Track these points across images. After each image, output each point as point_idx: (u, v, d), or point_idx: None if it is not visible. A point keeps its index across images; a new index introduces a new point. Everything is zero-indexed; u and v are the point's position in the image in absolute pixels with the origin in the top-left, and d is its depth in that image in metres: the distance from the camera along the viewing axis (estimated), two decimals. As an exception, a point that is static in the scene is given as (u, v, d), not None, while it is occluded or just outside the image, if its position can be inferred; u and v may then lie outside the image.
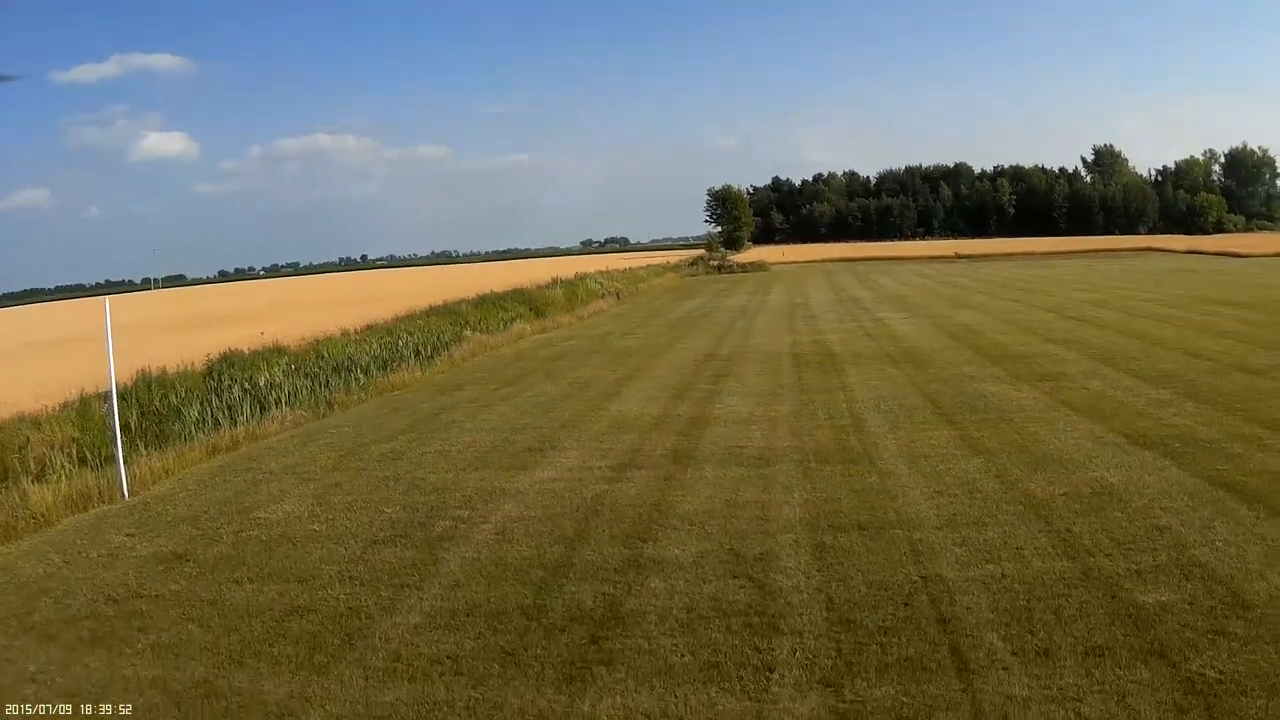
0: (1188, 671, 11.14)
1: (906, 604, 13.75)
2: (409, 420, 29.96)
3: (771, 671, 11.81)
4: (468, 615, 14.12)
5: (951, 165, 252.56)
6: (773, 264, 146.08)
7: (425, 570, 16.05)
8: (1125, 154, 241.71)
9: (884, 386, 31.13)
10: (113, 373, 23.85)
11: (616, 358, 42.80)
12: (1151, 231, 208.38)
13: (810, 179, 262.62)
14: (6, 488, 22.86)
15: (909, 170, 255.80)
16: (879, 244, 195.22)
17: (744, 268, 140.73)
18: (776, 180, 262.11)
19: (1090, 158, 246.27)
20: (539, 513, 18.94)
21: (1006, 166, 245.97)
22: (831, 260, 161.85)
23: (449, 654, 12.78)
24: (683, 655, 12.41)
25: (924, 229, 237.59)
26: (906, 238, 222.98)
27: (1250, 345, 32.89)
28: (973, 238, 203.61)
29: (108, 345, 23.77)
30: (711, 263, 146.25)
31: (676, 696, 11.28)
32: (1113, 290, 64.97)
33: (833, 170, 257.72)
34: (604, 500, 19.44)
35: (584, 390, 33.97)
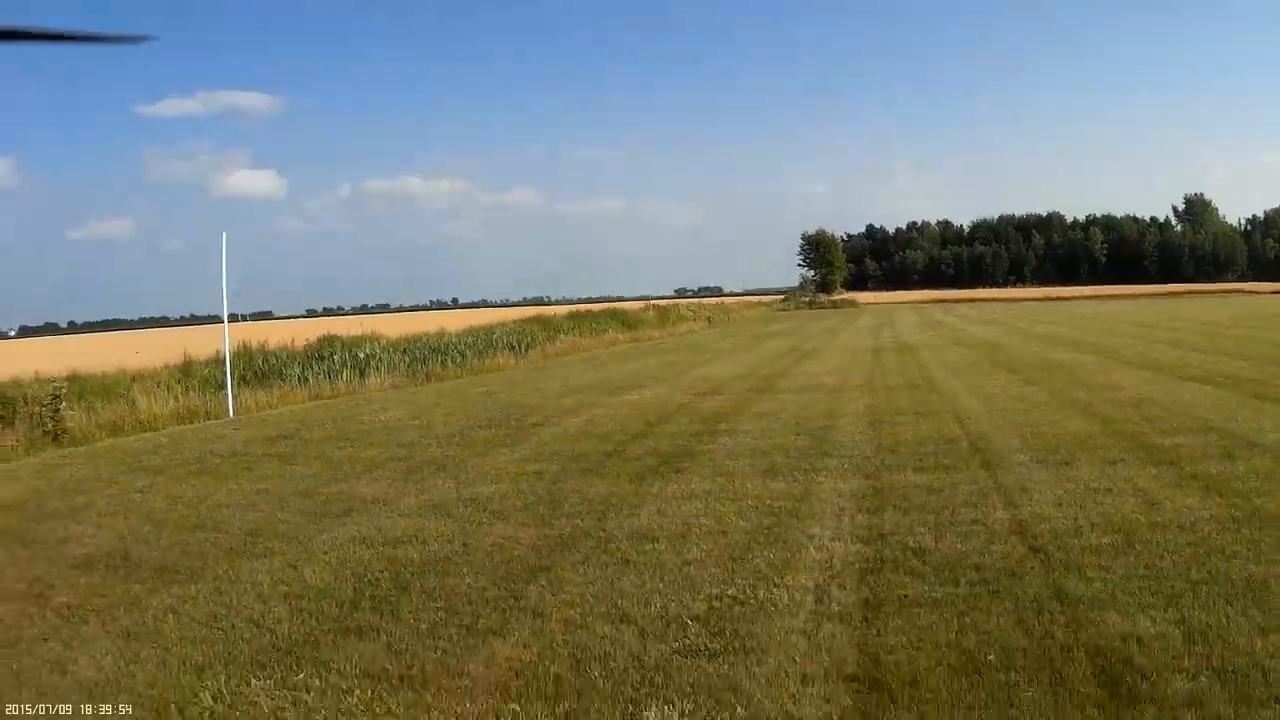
0: (1193, 471, 12.56)
1: (947, 442, 15.38)
2: (505, 382, 31.74)
3: (818, 474, 13.46)
4: (553, 456, 15.92)
5: (1044, 214, 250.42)
6: (864, 303, 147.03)
7: (515, 440, 17.91)
8: (1215, 203, 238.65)
9: (953, 358, 32.89)
10: (225, 311, 26.00)
11: (706, 352, 44.56)
12: (1241, 279, 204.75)
13: (904, 226, 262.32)
14: (114, 403, 25.06)
15: (1002, 219, 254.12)
16: (970, 291, 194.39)
17: (835, 304, 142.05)
18: (870, 228, 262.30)
19: (1181, 206, 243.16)
20: (625, 413, 20.84)
21: (1098, 215, 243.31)
22: (922, 302, 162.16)
23: (533, 471, 14.63)
24: (743, 467, 14.14)
25: (1016, 277, 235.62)
26: (998, 285, 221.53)
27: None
28: (1064, 285, 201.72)
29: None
30: (803, 299, 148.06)
31: (734, 484, 12.95)
32: (1159, 317, 64.74)
33: (926, 219, 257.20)
34: (686, 407, 21.29)
35: (673, 365, 35.73)
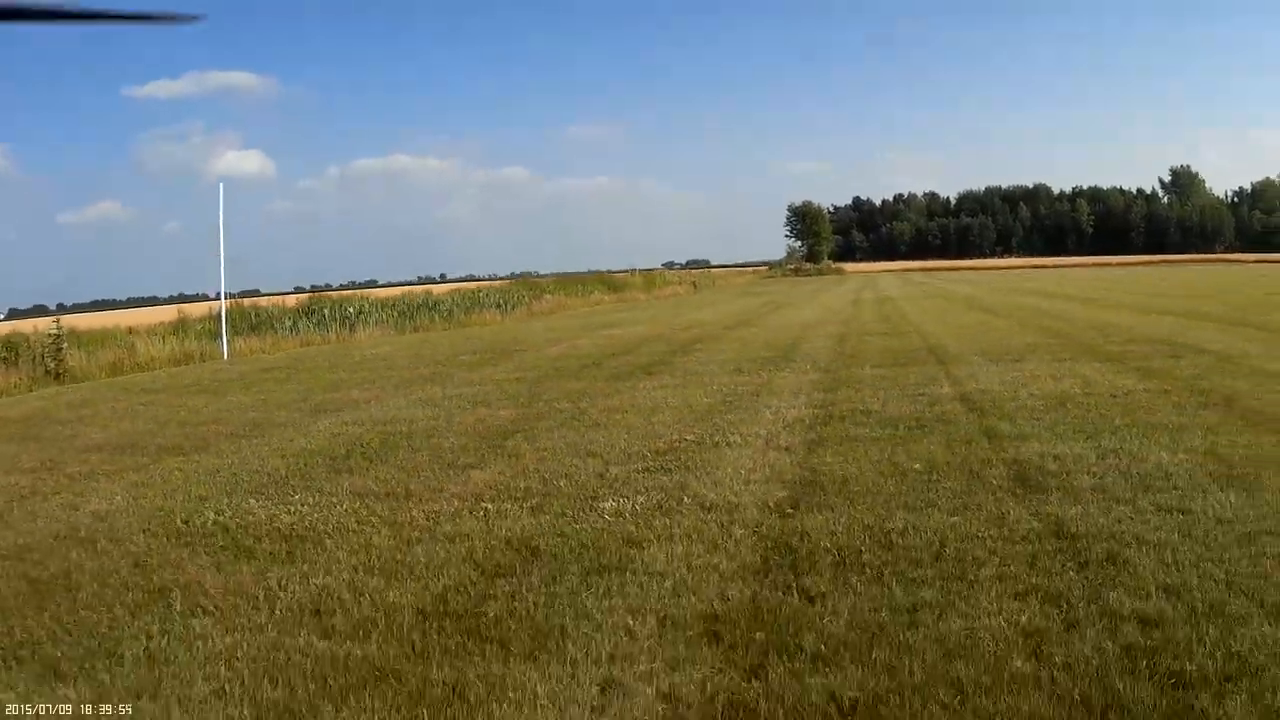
0: (1136, 365, 13.50)
1: (908, 351, 16.29)
2: (491, 330, 32.51)
3: (781, 370, 14.39)
4: (534, 368, 16.79)
5: (1031, 186, 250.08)
6: (851, 272, 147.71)
7: (499, 361, 18.79)
8: (1202, 176, 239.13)
9: (930, 305, 33.96)
10: (222, 260, 26.68)
11: (688, 306, 45.26)
12: (1228, 251, 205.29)
13: (890, 198, 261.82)
14: (113, 349, 25.74)
15: (989, 190, 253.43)
16: (957, 261, 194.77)
17: (820, 271, 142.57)
18: (857, 199, 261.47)
19: (1168, 179, 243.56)
20: (605, 343, 21.70)
21: (1085, 187, 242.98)
22: (909, 270, 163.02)
23: (515, 378, 15.49)
24: (712, 370, 15.01)
25: (1003, 248, 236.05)
26: (985, 256, 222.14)
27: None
28: (1051, 256, 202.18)
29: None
30: (789, 267, 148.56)
31: (702, 380, 13.80)
32: (1119, 282, 65.60)
33: (913, 191, 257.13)
34: (664, 337, 22.21)
35: (655, 315, 36.49)
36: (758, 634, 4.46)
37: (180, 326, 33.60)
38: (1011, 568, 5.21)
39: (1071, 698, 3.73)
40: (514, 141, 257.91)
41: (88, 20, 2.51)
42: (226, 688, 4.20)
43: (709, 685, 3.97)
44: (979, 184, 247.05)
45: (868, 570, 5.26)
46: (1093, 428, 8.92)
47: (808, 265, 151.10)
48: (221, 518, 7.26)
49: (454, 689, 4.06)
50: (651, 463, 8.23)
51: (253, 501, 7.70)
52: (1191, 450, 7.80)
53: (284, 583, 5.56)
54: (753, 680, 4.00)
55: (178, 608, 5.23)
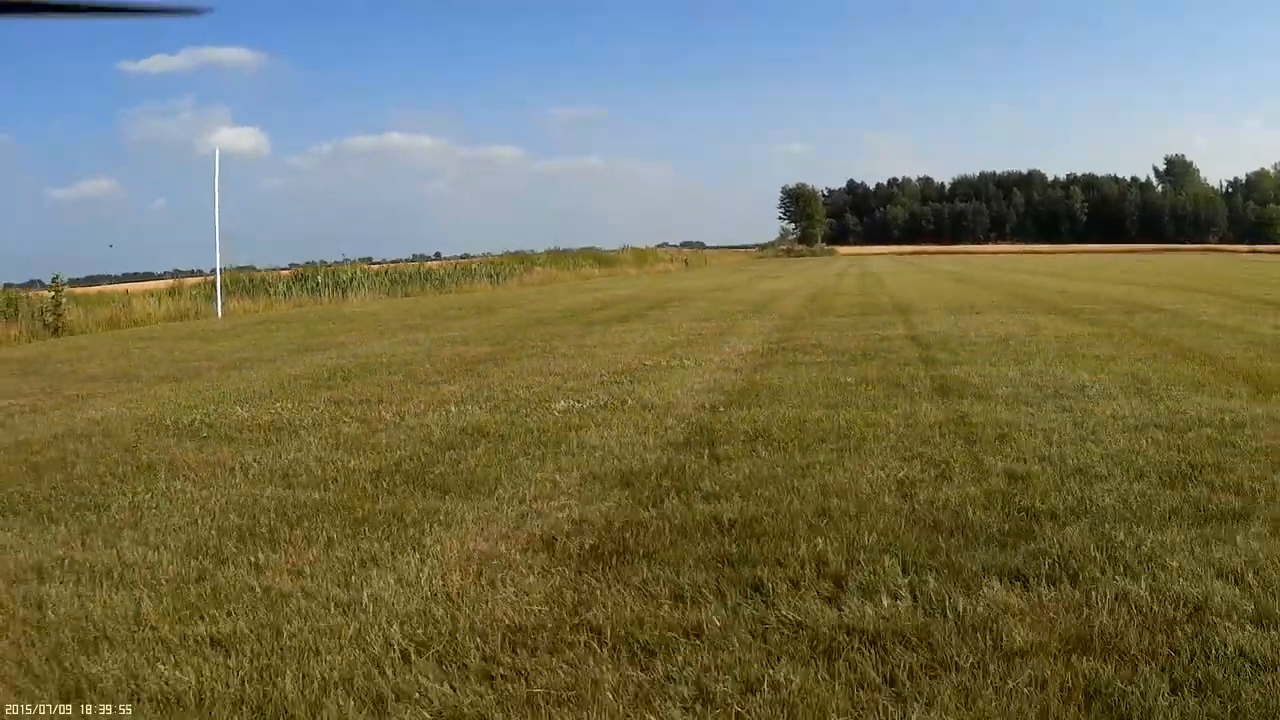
0: (1089, 319, 14.14)
1: (874, 306, 16.97)
2: (481, 295, 33.06)
3: (748, 319, 15.10)
4: (515, 318, 17.50)
5: (1025, 172, 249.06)
6: (844, 254, 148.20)
7: (482, 315, 19.48)
8: (1197, 165, 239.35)
9: (909, 277, 34.36)
10: (217, 223, 27.26)
11: (676, 278, 45.91)
12: (1221, 241, 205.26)
13: (885, 182, 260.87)
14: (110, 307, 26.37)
15: (983, 176, 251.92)
16: (950, 246, 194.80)
17: (813, 252, 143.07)
18: (851, 183, 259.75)
19: (1162, 167, 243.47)
20: (587, 299, 22.47)
21: (1079, 175, 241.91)
22: (902, 253, 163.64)
23: (496, 325, 16.06)
24: (683, 319, 15.72)
25: (996, 234, 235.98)
26: (979, 242, 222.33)
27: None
28: (1044, 243, 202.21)
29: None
30: (781, 248, 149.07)
31: (671, 326, 14.43)
32: (1101, 266, 66.25)
33: (907, 175, 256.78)
34: (642, 297, 22.78)
35: (642, 285, 36.96)
36: (664, 482, 5.09)
37: (176, 290, 34.21)
38: (906, 443, 5.84)
39: (925, 522, 4.33)
40: (506, 121, 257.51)
41: (96, 14, 2.37)
42: (199, 520, 4.81)
43: (612, 513, 4.60)
44: (974, 169, 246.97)
45: (775, 443, 5.90)
46: (1026, 358, 9.55)
47: (800, 246, 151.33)
48: (208, 419, 7.86)
49: (395, 515, 4.69)
50: (608, 379, 8.88)
51: (238, 408, 8.31)
52: (1114, 373, 8.43)
53: (258, 459, 6.17)
54: (650, 509, 4.63)
55: (161, 476, 5.84)
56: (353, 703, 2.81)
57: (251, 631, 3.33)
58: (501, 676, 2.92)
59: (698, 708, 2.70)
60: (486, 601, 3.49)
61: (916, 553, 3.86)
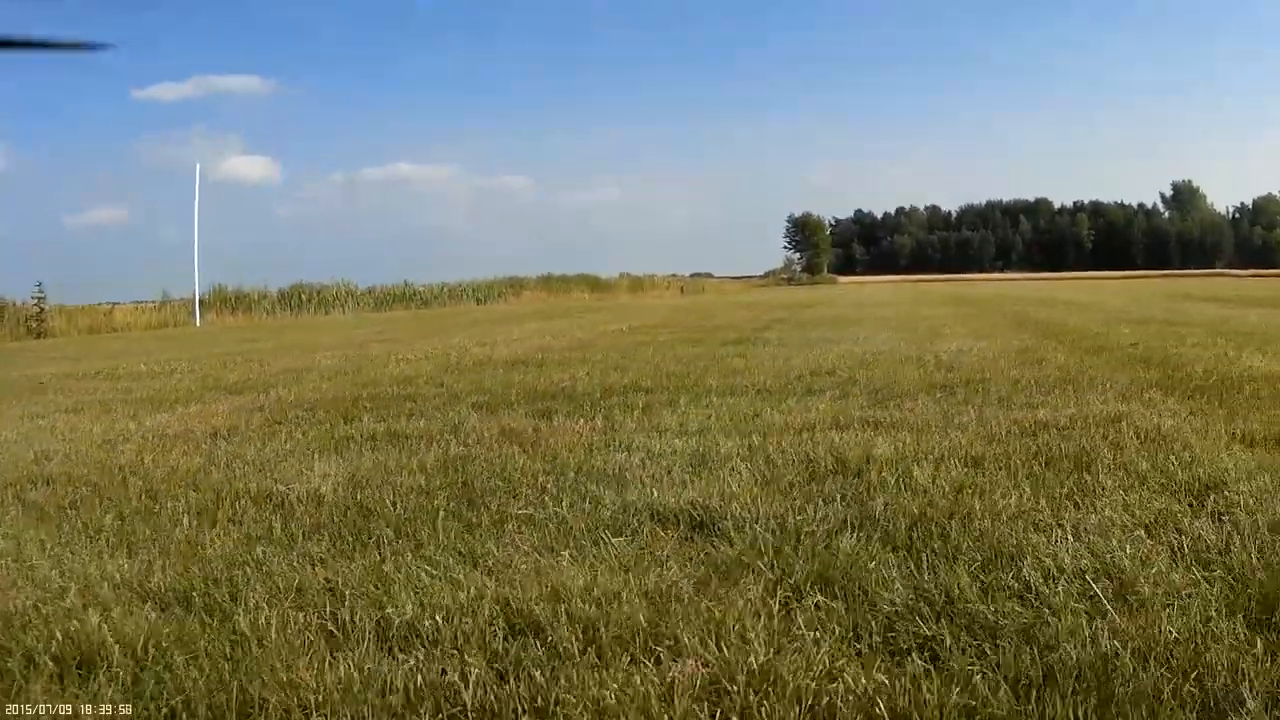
0: (1054, 335, 14.66)
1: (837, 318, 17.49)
2: (461, 312, 33.84)
3: (679, 316, 15.56)
4: (470, 323, 18.00)
5: (1031, 200, 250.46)
6: (845, 283, 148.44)
7: (444, 326, 19.91)
8: (1203, 190, 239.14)
9: (900, 300, 34.54)
10: (196, 240, 28.17)
11: (667, 305, 46.53)
12: (1228, 267, 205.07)
13: (892, 212, 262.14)
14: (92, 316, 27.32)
15: (989, 204, 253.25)
16: (956, 275, 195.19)
17: (815, 281, 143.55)
18: (859, 212, 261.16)
19: (1169, 193, 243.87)
20: (550, 313, 22.76)
21: (1085, 202, 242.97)
22: (901, 282, 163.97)
23: (449, 325, 16.68)
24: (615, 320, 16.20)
25: (1003, 262, 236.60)
26: (985, 270, 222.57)
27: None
28: (1051, 271, 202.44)
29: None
30: (783, 277, 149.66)
31: (597, 324, 15.09)
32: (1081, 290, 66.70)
33: (914, 204, 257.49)
34: (605, 308, 23.19)
35: (623, 304, 37.70)
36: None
37: (161, 306, 35.18)
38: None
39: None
40: (516, 151, 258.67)
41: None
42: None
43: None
44: (980, 197, 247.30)
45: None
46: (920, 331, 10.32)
47: (802, 275, 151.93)
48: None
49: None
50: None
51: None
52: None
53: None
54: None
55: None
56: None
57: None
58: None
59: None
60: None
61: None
